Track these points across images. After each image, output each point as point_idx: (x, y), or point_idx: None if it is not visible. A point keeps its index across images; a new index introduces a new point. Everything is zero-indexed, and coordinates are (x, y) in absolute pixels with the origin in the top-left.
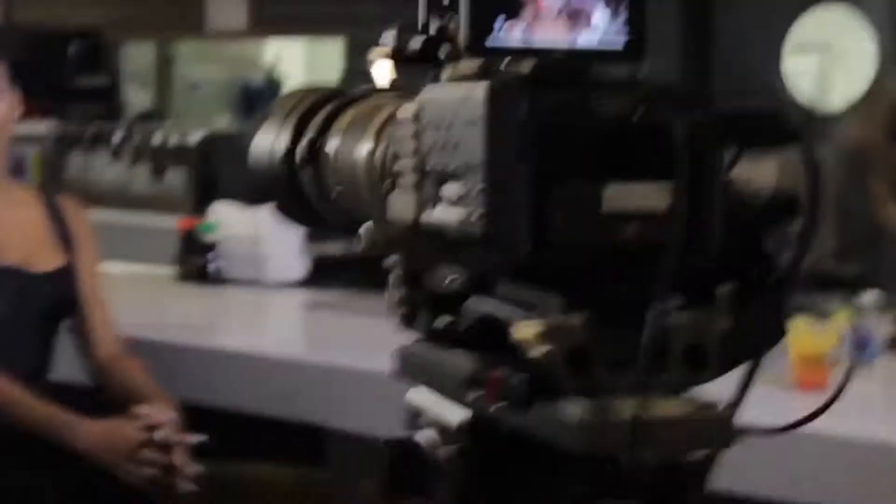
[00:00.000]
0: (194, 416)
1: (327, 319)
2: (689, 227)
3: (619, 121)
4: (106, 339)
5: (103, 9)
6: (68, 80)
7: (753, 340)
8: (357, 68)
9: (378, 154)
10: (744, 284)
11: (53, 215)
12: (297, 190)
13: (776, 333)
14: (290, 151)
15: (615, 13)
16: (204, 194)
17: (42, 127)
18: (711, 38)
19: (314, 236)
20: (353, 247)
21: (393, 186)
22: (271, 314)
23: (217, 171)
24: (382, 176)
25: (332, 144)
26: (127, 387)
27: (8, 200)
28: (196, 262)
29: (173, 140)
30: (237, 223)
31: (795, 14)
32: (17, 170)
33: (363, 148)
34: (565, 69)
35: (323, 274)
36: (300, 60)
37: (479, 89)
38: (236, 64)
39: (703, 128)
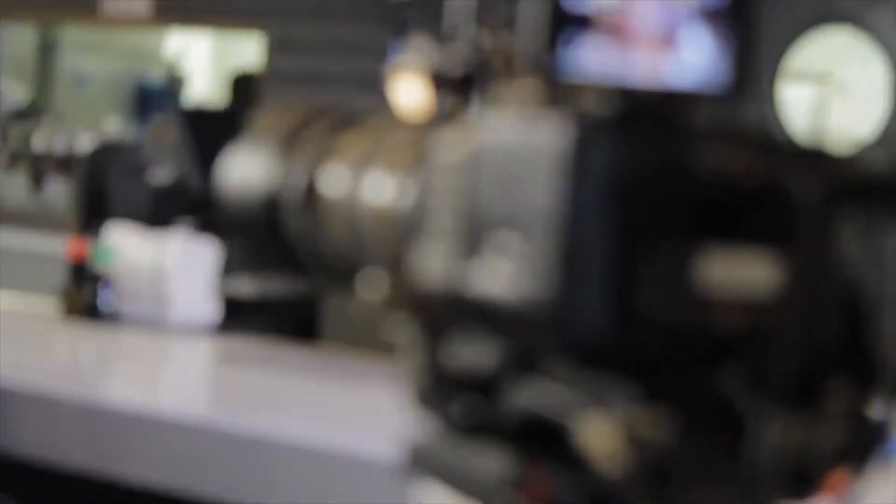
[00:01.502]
0: (68, 485)
1: (240, 373)
2: (804, 311)
3: (724, 178)
4: None
5: None
6: None
7: (859, 446)
8: (278, 69)
9: (399, 195)
10: (854, 382)
11: None
12: (280, 232)
13: (879, 436)
14: (274, 185)
15: (715, 47)
16: (92, 212)
17: None
18: None
19: (226, 272)
20: (274, 287)
21: (417, 235)
22: (173, 364)
23: (109, 186)
24: (408, 222)
25: (328, 180)
26: None
27: None
28: (85, 295)
29: (57, 146)
30: (136, 252)
31: (792, 37)
32: None
33: (376, 186)
34: (659, 109)
35: (235, 318)
36: (208, 56)
37: (556, 128)
38: (132, 56)
39: (826, 191)
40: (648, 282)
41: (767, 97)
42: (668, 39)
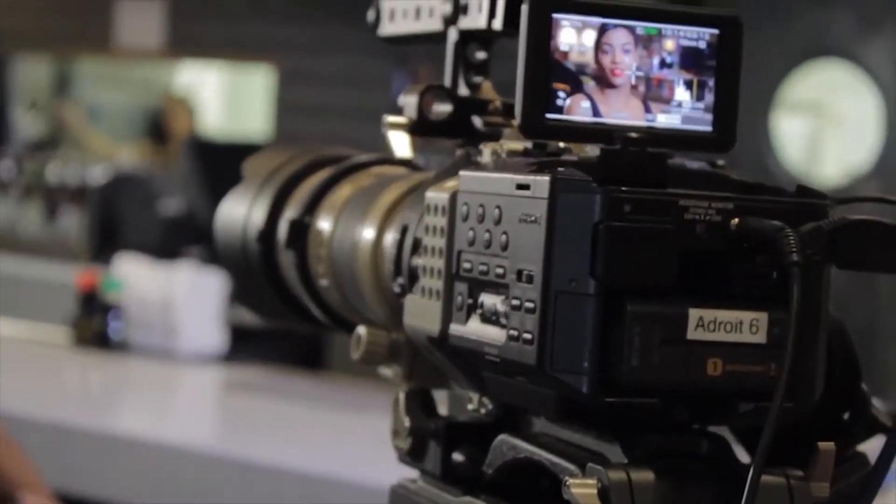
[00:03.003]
0: None
1: (248, 402)
2: (795, 366)
3: (712, 227)
4: None
5: None
6: None
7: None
8: (289, 102)
9: (388, 243)
10: (839, 437)
11: None
12: (275, 276)
13: (869, 492)
14: (269, 228)
15: (699, 95)
16: (104, 242)
17: None
18: None
19: (233, 302)
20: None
21: (411, 286)
22: (181, 393)
23: (120, 217)
24: (396, 271)
25: (322, 224)
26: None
27: None
28: (96, 324)
29: (71, 177)
30: (146, 282)
31: (786, 70)
32: None
33: (366, 233)
34: (642, 157)
35: (243, 347)
36: (219, 88)
37: (540, 179)
38: (146, 89)
39: (817, 242)
40: (633, 337)
41: (762, 129)
42: (649, 88)
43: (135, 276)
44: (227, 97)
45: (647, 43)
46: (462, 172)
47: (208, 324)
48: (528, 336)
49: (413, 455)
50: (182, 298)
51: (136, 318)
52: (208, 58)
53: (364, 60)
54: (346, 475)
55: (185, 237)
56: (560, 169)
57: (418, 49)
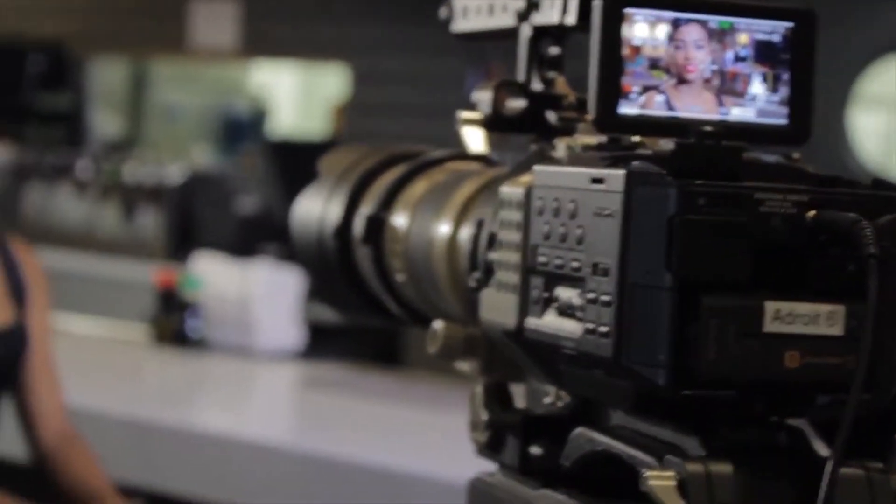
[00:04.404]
0: None
1: (325, 399)
2: (872, 359)
3: (788, 220)
4: (52, 417)
5: (68, 19)
6: (25, 99)
7: None
8: (360, 101)
9: (463, 238)
10: None
11: (5, 262)
12: (352, 271)
13: None
14: (345, 224)
15: (774, 88)
16: (180, 241)
17: None
18: None
19: (310, 299)
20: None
21: (487, 280)
22: (259, 390)
23: (196, 216)
24: (472, 266)
25: (398, 220)
26: (73, 480)
27: None
28: (174, 322)
29: (148, 176)
30: (223, 280)
31: (862, 64)
32: None
33: (442, 228)
34: (716, 150)
35: (320, 344)
36: (292, 88)
37: (615, 173)
38: (220, 88)
39: (893, 234)
40: (709, 330)
41: (838, 124)
42: (723, 82)
43: (212, 274)
44: (301, 96)
45: (720, 37)
46: (536, 167)
47: (285, 321)
48: (604, 329)
49: (491, 448)
50: (259, 296)
51: (214, 316)
52: (282, 57)
53: (437, 59)
54: (423, 470)
55: (262, 235)
56: (634, 163)
57: (491, 47)
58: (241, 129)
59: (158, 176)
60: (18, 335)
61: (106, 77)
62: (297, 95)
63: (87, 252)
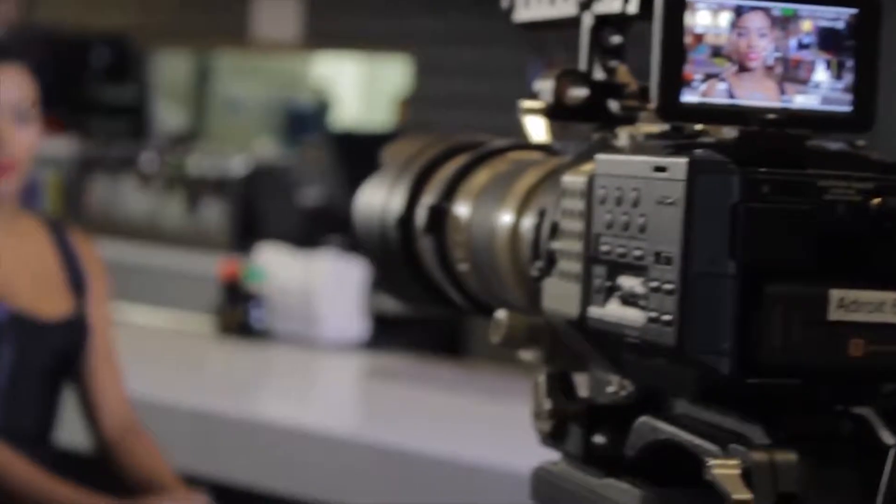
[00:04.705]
0: (225, 497)
1: (389, 390)
2: None
3: (852, 208)
4: (114, 406)
5: (132, 12)
6: (90, 91)
7: None
8: (423, 92)
9: (526, 227)
10: None
11: (64, 252)
12: (415, 261)
13: None
14: (408, 214)
15: (838, 75)
16: (244, 232)
17: (60, 146)
18: None
19: (374, 290)
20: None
21: (549, 269)
22: (323, 381)
23: (260, 208)
24: (534, 255)
25: (460, 209)
26: (137, 470)
27: (15, 233)
28: (238, 313)
29: (211, 169)
30: (287, 271)
31: None
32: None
33: (504, 218)
34: (780, 138)
35: (385, 334)
36: (355, 80)
37: (677, 161)
38: (283, 81)
39: None
40: (773, 319)
41: None
42: (786, 69)
43: (276, 266)
44: (364, 88)
45: (783, 24)
46: (599, 156)
47: (349, 312)
48: (667, 318)
49: (554, 437)
50: (323, 287)
51: (278, 307)
52: (344, 49)
53: (499, 50)
54: (487, 460)
55: (325, 226)
56: (697, 151)
57: (553, 38)
58: (304, 121)
59: (222, 168)
60: (79, 326)
61: (169, 69)
62: (359, 87)
63: (152, 244)
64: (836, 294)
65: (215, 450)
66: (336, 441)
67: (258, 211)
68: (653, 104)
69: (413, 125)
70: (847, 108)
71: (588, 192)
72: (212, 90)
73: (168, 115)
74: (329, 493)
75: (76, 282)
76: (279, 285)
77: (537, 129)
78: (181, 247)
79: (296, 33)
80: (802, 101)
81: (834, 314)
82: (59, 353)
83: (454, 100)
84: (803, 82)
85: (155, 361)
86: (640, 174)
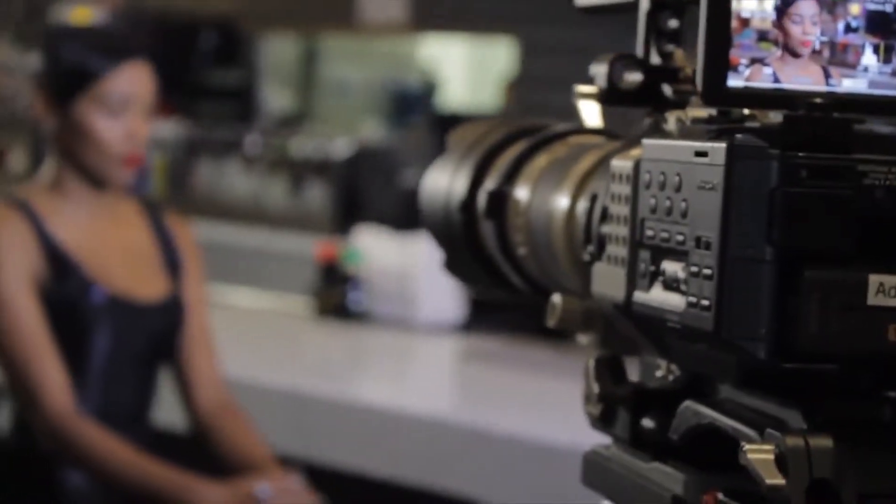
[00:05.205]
0: (320, 479)
1: (485, 372)
2: None
3: (892, 192)
4: (209, 386)
5: None
6: (198, 75)
7: None
8: (529, 74)
9: (580, 211)
10: None
11: (160, 235)
12: (477, 245)
13: None
14: (470, 198)
15: (887, 58)
16: (346, 214)
17: (167, 129)
18: None
19: None
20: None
21: (599, 254)
22: (419, 362)
23: (363, 190)
24: (586, 239)
25: (520, 194)
26: (232, 449)
27: (113, 217)
28: (336, 295)
29: (315, 151)
30: (385, 253)
31: None
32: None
33: (560, 202)
34: (826, 123)
35: (481, 317)
36: (462, 62)
37: (717, 146)
38: (390, 63)
39: None
40: (812, 304)
41: None
42: (833, 53)
43: (374, 248)
44: (471, 70)
45: (831, 8)
46: (645, 140)
47: (447, 294)
48: (705, 303)
49: (604, 421)
50: (421, 269)
51: (376, 289)
52: (451, 31)
53: (604, 30)
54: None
55: None
56: (738, 136)
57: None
58: (411, 103)
59: (325, 150)
60: (175, 307)
61: (276, 53)
62: (466, 69)
63: (255, 226)
64: (875, 279)
65: (310, 431)
66: (432, 423)
67: (360, 193)
68: (699, 89)
69: (519, 107)
70: (895, 93)
71: (634, 177)
72: (318, 73)
73: (275, 98)
74: (423, 475)
75: (172, 263)
76: (377, 267)
77: (591, 113)
78: (283, 229)
79: (402, 15)
80: (850, 84)
81: (873, 299)
82: (156, 334)
83: (560, 82)
84: (851, 66)
85: (253, 343)
86: (682, 159)
